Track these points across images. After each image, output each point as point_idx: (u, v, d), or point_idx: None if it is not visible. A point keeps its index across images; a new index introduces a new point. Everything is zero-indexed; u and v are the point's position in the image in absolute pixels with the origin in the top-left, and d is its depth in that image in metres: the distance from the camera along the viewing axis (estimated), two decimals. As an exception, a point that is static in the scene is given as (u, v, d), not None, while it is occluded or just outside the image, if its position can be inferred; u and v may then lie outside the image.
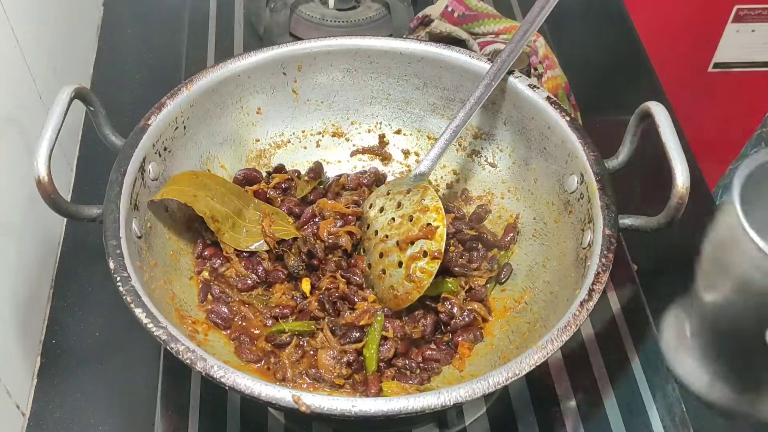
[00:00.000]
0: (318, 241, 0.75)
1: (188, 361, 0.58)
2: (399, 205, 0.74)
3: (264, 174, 0.83)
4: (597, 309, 0.62)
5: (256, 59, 0.79)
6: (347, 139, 0.87)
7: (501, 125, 0.81)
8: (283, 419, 0.73)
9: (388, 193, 0.76)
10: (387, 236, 0.73)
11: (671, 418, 0.73)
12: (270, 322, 0.72)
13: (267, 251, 0.76)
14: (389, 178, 0.86)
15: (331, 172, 0.86)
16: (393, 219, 0.74)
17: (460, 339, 0.72)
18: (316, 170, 0.83)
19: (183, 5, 1.13)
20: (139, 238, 0.69)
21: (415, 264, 0.71)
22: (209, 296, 0.74)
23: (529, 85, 0.77)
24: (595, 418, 0.73)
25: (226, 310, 0.72)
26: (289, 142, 0.86)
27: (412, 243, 0.71)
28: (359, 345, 0.70)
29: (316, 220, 0.77)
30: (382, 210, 0.76)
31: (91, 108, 0.71)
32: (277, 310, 0.73)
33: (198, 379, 0.75)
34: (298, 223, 0.78)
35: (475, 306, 0.73)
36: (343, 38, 0.82)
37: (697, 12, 1.47)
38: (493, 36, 0.95)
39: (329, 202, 0.79)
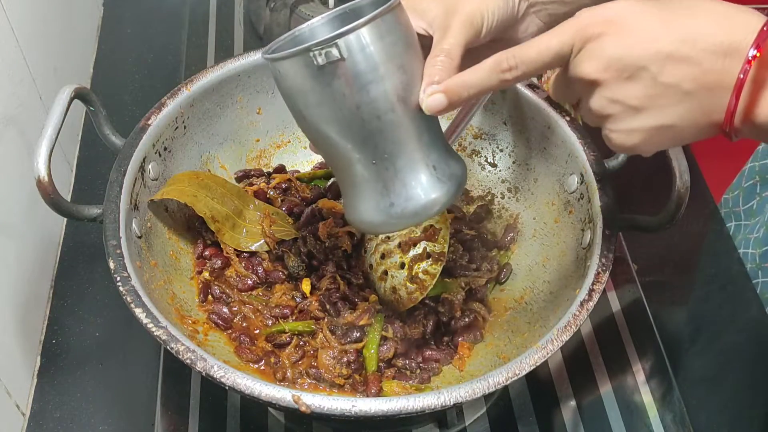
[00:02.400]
0: (318, 242, 0.75)
1: (188, 361, 0.58)
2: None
3: (264, 174, 0.83)
4: (597, 309, 0.62)
5: (255, 59, 0.79)
6: (347, 139, 0.87)
7: (501, 125, 0.81)
8: (283, 419, 0.73)
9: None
10: (389, 237, 0.73)
11: (671, 418, 0.73)
12: (270, 322, 0.72)
13: (267, 251, 0.76)
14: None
15: (331, 172, 0.86)
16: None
17: (460, 339, 0.72)
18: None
19: (183, 5, 1.13)
20: (139, 238, 0.69)
21: (417, 266, 0.71)
22: (209, 296, 0.74)
23: (529, 85, 0.77)
24: (595, 418, 0.73)
25: (226, 311, 0.72)
26: (289, 142, 0.86)
27: (415, 245, 0.71)
28: (359, 345, 0.70)
29: (316, 220, 0.77)
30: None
31: (91, 108, 0.71)
32: (277, 310, 0.73)
33: (198, 379, 0.75)
34: (298, 224, 0.78)
35: (475, 306, 0.73)
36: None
37: (697, 12, 1.46)
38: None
39: (329, 201, 0.79)
